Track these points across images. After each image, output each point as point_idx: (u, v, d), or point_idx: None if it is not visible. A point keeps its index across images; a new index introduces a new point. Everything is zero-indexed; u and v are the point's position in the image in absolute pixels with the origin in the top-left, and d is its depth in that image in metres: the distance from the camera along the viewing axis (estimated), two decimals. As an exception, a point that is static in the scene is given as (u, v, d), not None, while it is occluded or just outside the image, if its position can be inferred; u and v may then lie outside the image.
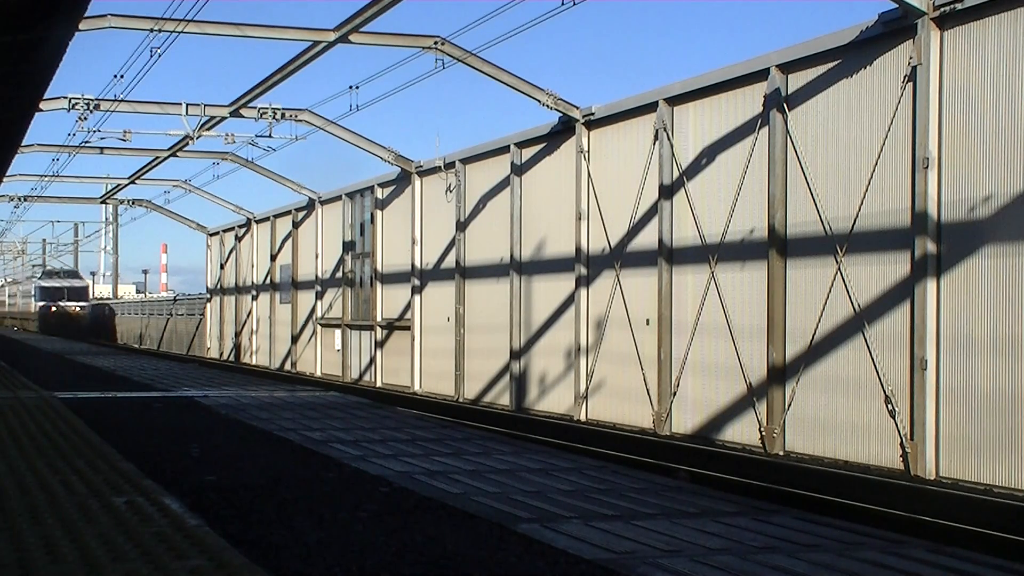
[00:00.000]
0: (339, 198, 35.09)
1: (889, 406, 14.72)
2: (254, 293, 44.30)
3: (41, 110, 24.43)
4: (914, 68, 14.42)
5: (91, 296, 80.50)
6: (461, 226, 26.74)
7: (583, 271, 21.74)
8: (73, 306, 73.79)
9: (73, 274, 79.09)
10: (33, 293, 77.86)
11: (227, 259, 48.26)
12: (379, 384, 31.34)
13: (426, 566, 5.55)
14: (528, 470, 8.77)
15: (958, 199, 13.93)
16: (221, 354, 48.66)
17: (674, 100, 19.23)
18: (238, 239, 46.57)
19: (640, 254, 20.06)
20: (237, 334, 46.25)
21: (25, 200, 47.90)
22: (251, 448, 10.22)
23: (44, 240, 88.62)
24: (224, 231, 48.86)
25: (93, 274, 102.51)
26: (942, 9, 14.05)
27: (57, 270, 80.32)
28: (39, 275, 79.62)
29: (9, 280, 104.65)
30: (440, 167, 27.88)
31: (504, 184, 24.77)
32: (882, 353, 14.93)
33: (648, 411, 19.62)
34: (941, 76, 14.19)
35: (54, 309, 72.79)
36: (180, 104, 29.05)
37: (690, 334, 18.61)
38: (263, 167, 37.52)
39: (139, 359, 28.16)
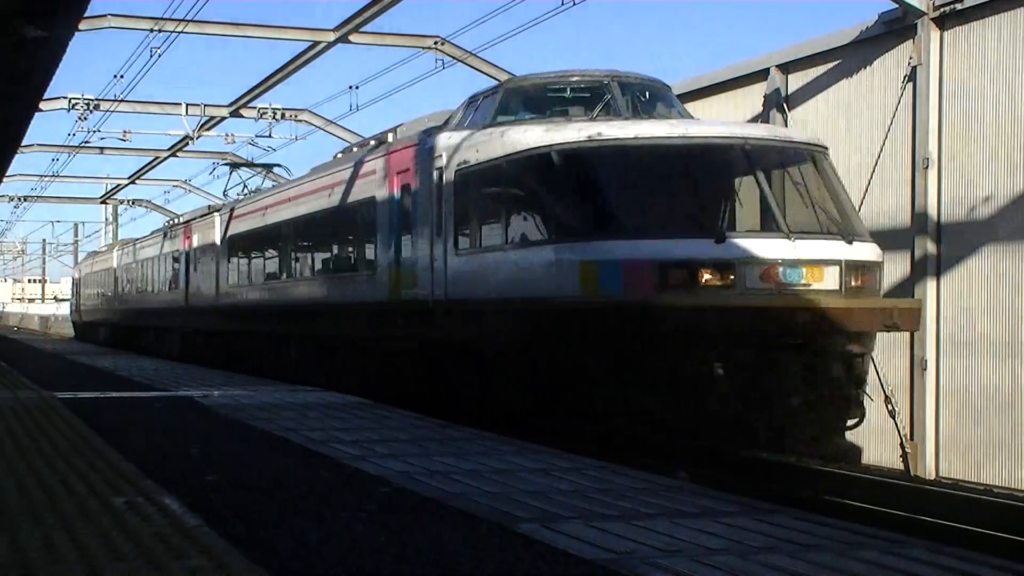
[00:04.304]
0: (339, 198, 34.92)
1: (889, 406, 14.71)
2: (254, 293, 43.91)
3: (41, 110, 24.44)
4: (914, 68, 14.42)
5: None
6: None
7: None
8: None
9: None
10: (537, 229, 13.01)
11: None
12: (379, 384, 31.23)
13: (426, 566, 5.55)
14: (528, 470, 8.76)
15: (958, 199, 13.93)
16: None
17: (674, 100, 19.19)
18: (238, 239, 46.23)
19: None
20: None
21: (25, 200, 47.92)
22: (251, 448, 10.21)
23: (44, 240, 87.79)
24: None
25: None
26: (942, 9, 14.05)
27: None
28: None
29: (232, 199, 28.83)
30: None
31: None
32: (882, 353, 14.92)
33: (648, 411, 19.56)
34: (941, 76, 14.19)
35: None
36: (180, 104, 29.07)
37: (690, 334, 18.55)
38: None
39: (139, 359, 28.13)
